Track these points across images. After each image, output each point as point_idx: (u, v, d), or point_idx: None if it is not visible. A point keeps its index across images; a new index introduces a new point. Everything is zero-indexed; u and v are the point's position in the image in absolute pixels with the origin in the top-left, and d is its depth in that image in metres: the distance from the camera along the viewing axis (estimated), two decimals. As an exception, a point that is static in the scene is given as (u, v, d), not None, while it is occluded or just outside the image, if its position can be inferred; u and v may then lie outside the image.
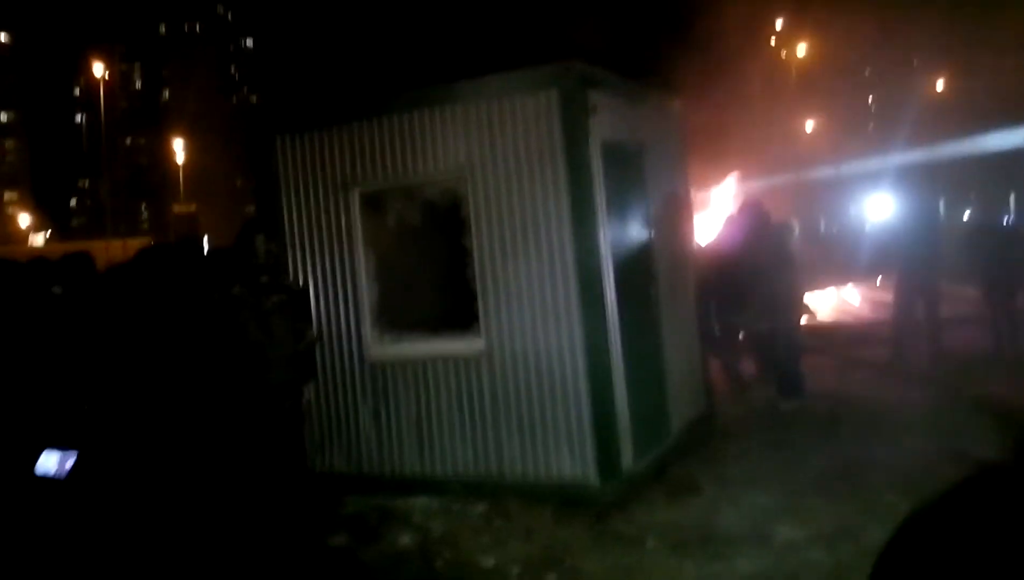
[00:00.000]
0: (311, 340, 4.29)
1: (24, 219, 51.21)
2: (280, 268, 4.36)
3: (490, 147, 4.40)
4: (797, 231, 6.99)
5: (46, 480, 2.44)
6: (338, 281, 4.76)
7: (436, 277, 4.98)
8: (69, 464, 2.47)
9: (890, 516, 3.78)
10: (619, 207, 4.55)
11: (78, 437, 2.57)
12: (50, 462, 2.45)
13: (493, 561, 3.66)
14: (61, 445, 2.49)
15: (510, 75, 4.41)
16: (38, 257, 5.81)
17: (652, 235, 5.04)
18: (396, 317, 4.90)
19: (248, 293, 3.93)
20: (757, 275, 6.04)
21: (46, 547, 2.52)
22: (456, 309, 4.64)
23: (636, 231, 4.88)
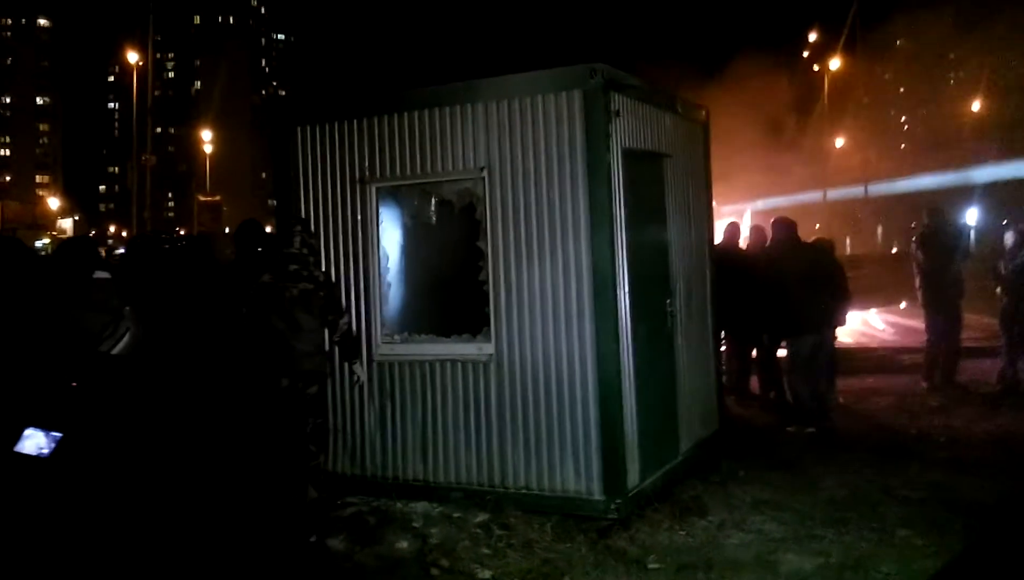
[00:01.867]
0: (343, 331, 4.23)
1: (53, 202, 52.22)
2: (314, 259, 4.32)
3: (509, 147, 4.32)
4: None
5: (28, 459, 2.40)
6: (351, 276, 4.71)
7: (449, 277, 4.91)
8: (53, 444, 2.42)
9: (904, 551, 3.63)
10: (638, 216, 4.45)
11: (64, 417, 2.53)
12: (33, 441, 2.41)
13: (490, 573, 3.57)
14: (47, 425, 2.44)
15: (532, 75, 4.33)
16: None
17: (671, 247, 4.92)
18: (407, 316, 4.84)
19: (276, 282, 3.90)
20: (779, 291, 5.87)
21: (28, 527, 2.47)
22: (467, 311, 4.56)
23: (654, 242, 4.76)
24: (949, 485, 4.50)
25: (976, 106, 28.44)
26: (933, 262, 7.02)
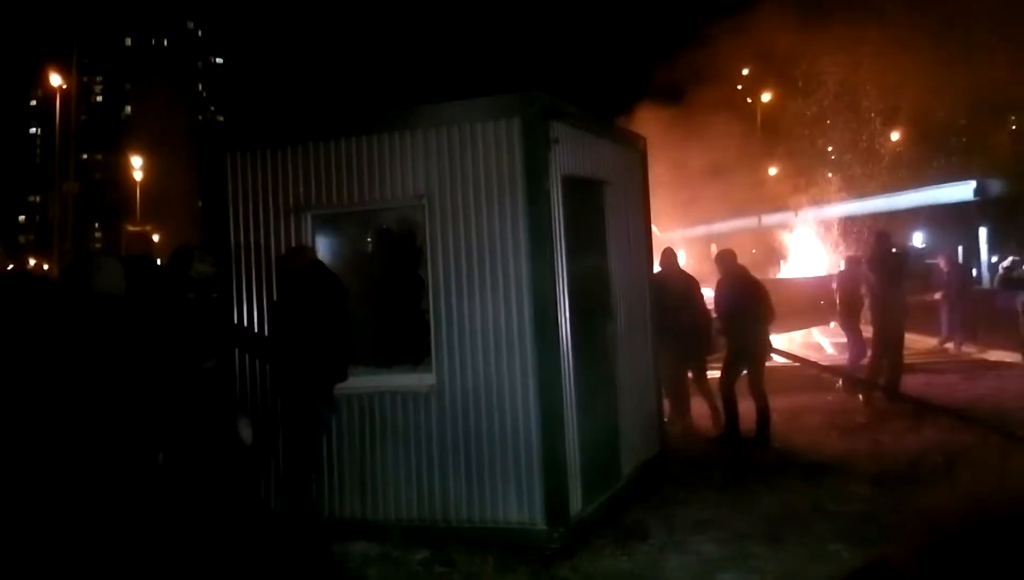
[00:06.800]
0: (208, 368, 3.94)
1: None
2: (200, 287, 4.05)
3: (449, 175, 4.31)
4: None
5: None
6: (286, 307, 4.55)
7: (389, 307, 4.82)
8: None
9: (834, 564, 3.73)
10: (578, 242, 4.49)
11: None
12: None
13: (431, 611, 3.46)
14: None
15: (472, 102, 4.35)
16: None
17: (610, 272, 5.00)
18: (345, 347, 4.70)
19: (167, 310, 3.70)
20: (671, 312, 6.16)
21: None
22: (408, 341, 4.48)
23: (594, 267, 4.82)
24: (875, 499, 4.67)
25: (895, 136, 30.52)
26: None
